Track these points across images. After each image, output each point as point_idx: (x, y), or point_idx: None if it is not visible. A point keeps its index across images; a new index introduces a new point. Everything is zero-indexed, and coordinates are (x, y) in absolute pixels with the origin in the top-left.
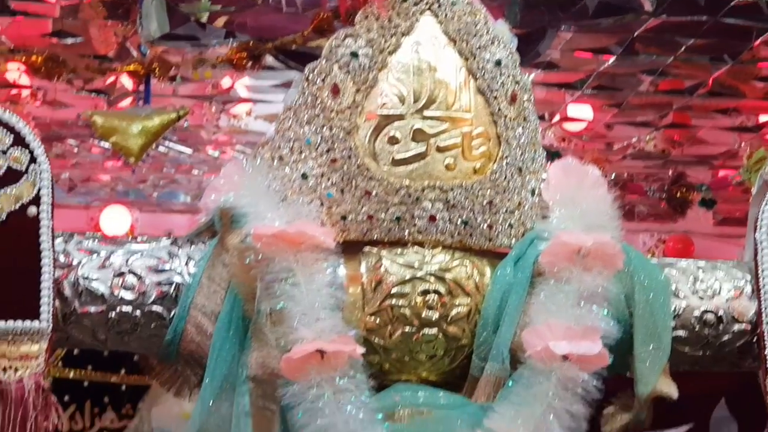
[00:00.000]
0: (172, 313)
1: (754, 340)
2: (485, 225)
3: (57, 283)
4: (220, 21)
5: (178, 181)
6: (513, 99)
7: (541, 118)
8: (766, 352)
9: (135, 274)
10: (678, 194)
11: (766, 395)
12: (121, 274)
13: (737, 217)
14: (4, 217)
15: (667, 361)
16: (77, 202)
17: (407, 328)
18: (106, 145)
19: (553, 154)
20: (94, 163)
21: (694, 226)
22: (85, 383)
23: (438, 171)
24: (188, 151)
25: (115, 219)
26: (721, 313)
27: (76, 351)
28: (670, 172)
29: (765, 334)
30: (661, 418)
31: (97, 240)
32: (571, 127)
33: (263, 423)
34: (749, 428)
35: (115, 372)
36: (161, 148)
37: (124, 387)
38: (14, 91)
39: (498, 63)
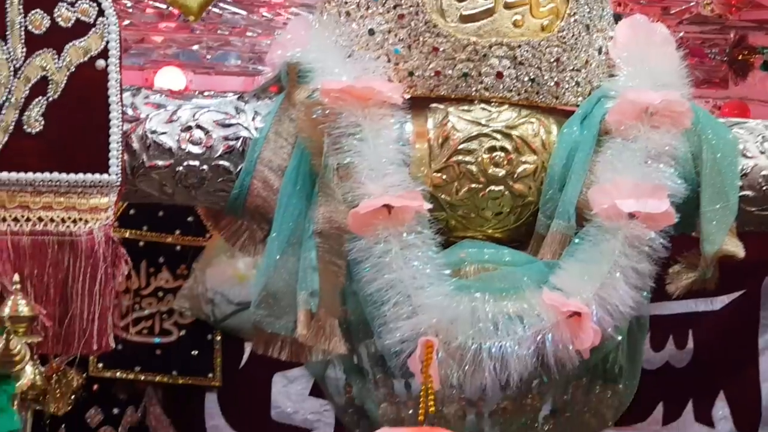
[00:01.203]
0: (239, 168)
1: None
2: (552, 82)
3: (125, 137)
4: None
5: (232, 43)
6: None
7: None
8: None
9: (202, 128)
10: (740, 57)
11: None
12: (188, 129)
13: None
14: (73, 69)
15: (734, 221)
16: (131, 63)
17: (473, 185)
18: (161, 5)
19: (615, 17)
20: (148, 23)
21: (750, 92)
22: (141, 243)
23: (505, 28)
24: (243, 12)
25: (170, 80)
26: None
27: (132, 211)
28: (732, 35)
29: None
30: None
31: (164, 94)
32: None
33: (330, 277)
34: None
35: (170, 233)
36: (215, 9)
37: (178, 248)
38: None
39: None
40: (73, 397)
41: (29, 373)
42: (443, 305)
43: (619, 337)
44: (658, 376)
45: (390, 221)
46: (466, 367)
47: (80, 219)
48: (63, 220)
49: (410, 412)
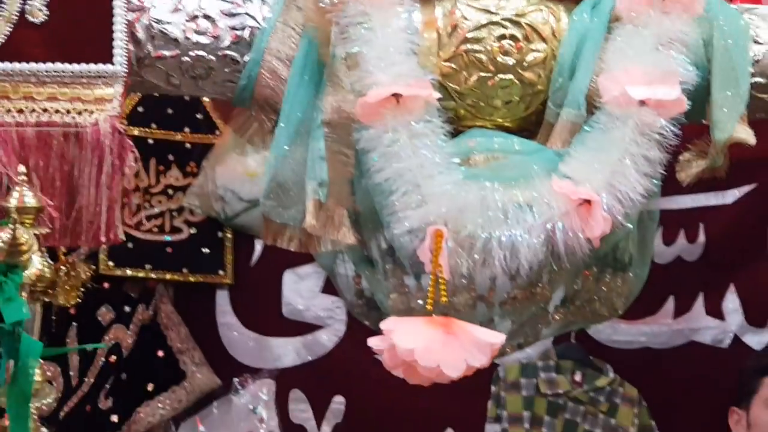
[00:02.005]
0: (246, 58)
1: None
2: None
3: (130, 26)
4: None
5: None
6: None
7: None
8: None
9: (208, 17)
10: None
11: None
12: (194, 18)
13: None
14: None
15: (745, 108)
16: None
17: (483, 74)
18: None
19: None
20: None
21: None
22: (150, 141)
23: None
24: None
25: None
26: None
27: (140, 108)
28: None
29: None
30: (725, 177)
31: None
32: None
33: (338, 167)
34: None
35: (179, 130)
36: None
37: (188, 145)
38: None
39: None
40: (82, 289)
41: (37, 264)
42: (452, 194)
43: (630, 225)
44: (669, 270)
45: (399, 110)
46: (476, 257)
47: (85, 110)
48: (68, 111)
49: (420, 302)
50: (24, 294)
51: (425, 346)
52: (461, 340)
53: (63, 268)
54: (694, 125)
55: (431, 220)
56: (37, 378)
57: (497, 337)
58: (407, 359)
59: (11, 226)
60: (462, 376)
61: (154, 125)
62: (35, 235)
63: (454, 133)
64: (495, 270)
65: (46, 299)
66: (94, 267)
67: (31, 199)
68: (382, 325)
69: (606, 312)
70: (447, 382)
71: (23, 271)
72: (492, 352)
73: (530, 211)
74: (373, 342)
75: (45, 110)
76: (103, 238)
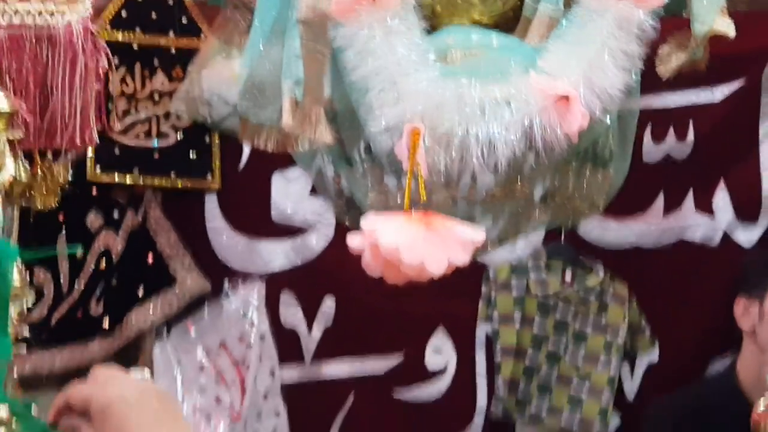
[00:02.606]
0: None
1: None
2: None
3: None
4: None
5: None
6: None
7: None
8: None
9: None
10: None
11: None
12: None
13: None
14: None
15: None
16: None
17: None
18: None
19: None
20: None
21: None
22: (134, 46)
23: None
24: None
25: None
26: None
27: (124, 13)
28: None
29: None
30: (714, 72)
31: None
32: None
33: (314, 66)
34: None
35: (164, 34)
36: None
37: (173, 50)
38: None
39: None
40: (58, 194)
41: (10, 168)
42: (429, 91)
43: (609, 120)
44: (659, 169)
45: (374, 7)
46: (453, 154)
47: (57, 11)
48: (40, 13)
49: (399, 201)
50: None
51: (409, 242)
52: (443, 236)
53: (40, 171)
54: (673, 18)
55: (408, 118)
56: (16, 283)
57: (478, 234)
58: (391, 256)
59: None
60: (443, 273)
61: (138, 30)
62: (9, 140)
63: (431, 30)
64: (472, 166)
65: (24, 203)
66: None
67: (3, 102)
68: (363, 223)
69: (586, 208)
70: (426, 280)
71: None
72: (474, 248)
73: (508, 107)
74: (352, 240)
75: (16, 12)
76: (78, 140)
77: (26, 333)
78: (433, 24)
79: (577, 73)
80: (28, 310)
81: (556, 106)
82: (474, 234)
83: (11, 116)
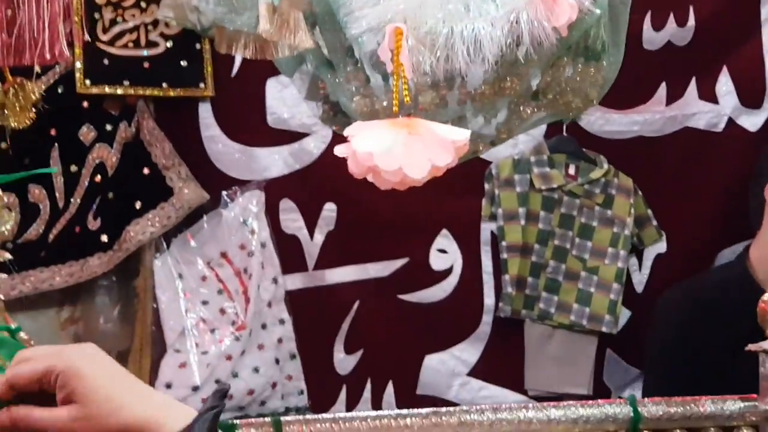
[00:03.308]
0: None
1: None
2: None
3: None
4: None
5: None
6: None
7: None
8: None
9: None
10: None
11: None
12: None
13: None
14: None
15: None
16: None
17: None
18: None
19: None
20: None
21: None
22: None
23: None
24: None
25: None
26: None
27: None
28: None
29: None
30: None
31: None
32: None
33: None
34: None
35: None
36: None
37: None
38: None
39: None
40: (33, 109)
41: None
42: None
43: (599, 11)
44: (660, 56)
45: None
46: (438, 53)
47: None
48: None
49: (385, 104)
50: None
51: (386, 148)
52: (424, 139)
53: (11, 89)
54: None
55: (389, 18)
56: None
57: (461, 134)
58: (367, 164)
59: None
60: (427, 177)
61: None
62: None
63: None
64: (459, 64)
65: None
66: (86, 83)
67: None
68: (347, 130)
69: (580, 103)
70: (410, 185)
71: None
72: (455, 149)
73: (493, 2)
74: (338, 149)
75: None
76: (47, 55)
77: (8, 256)
78: None
79: None
80: (21, 229)
81: None
82: (456, 134)
83: None
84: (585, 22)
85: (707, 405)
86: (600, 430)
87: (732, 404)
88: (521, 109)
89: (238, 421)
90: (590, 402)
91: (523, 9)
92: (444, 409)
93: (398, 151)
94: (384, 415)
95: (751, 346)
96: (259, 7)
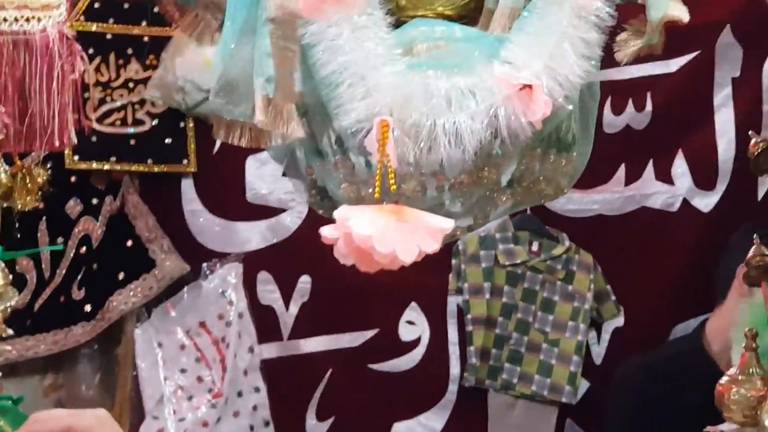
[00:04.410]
0: None
1: None
2: None
3: None
4: None
5: None
6: None
7: None
8: None
9: None
10: None
11: None
12: None
13: None
14: None
15: None
16: None
17: None
18: None
19: None
20: None
21: None
22: (108, 36)
23: None
24: None
25: None
26: None
27: (96, 4)
28: None
29: None
30: (669, 45)
31: None
32: None
33: (285, 63)
34: (753, 53)
35: (137, 24)
36: None
37: (146, 38)
38: None
39: None
40: (40, 192)
41: None
42: (396, 84)
43: (570, 107)
44: (619, 139)
45: (341, 4)
46: (422, 144)
47: (33, 17)
48: (16, 19)
49: (370, 191)
50: None
51: (380, 232)
52: (413, 226)
53: (19, 173)
54: (630, 5)
55: (377, 111)
56: (0, 281)
57: (447, 223)
58: (364, 246)
59: None
60: (413, 260)
61: (111, 20)
62: None
63: (397, 24)
64: (441, 156)
65: (6, 204)
66: (50, 170)
67: None
68: (336, 213)
69: (552, 191)
70: (397, 267)
71: None
72: (442, 237)
73: (473, 98)
74: (325, 231)
75: None
76: (57, 142)
77: (10, 332)
78: (398, 18)
79: (539, 63)
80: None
81: (520, 95)
82: (443, 223)
83: None
84: (558, 116)
85: None
86: None
87: None
88: (496, 196)
89: None
90: None
91: (501, 104)
92: None
93: (391, 236)
94: None
95: (709, 429)
96: (255, 99)
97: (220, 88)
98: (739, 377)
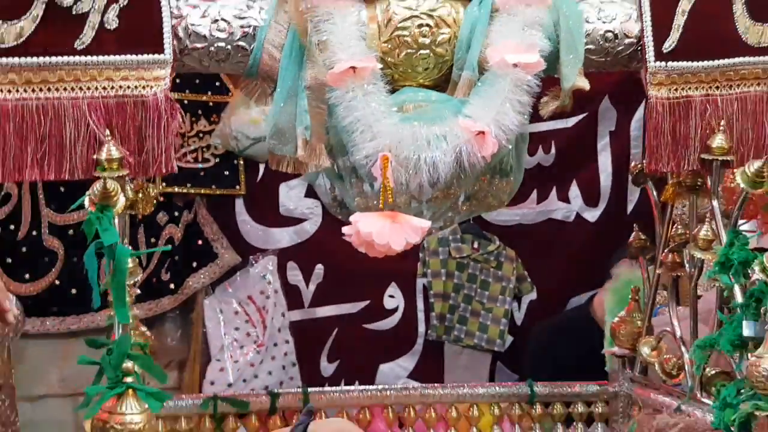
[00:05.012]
0: (252, 46)
1: (638, 49)
2: None
3: (174, 29)
4: None
5: None
6: None
7: None
8: (646, 56)
9: (225, 20)
10: None
11: (646, 85)
12: (215, 21)
13: None
14: None
15: (581, 65)
16: None
17: (409, 50)
18: None
19: None
20: None
21: None
22: (185, 101)
23: None
24: None
25: None
26: (617, 31)
27: (178, 80)
28: None
29: (645, 44)
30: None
31: None
32: None
33: (317, 116)
34: (624, 114)
35: (205, 93)
36: None
37: (211, 103)
38: None
39: None
40: (154, 203)
41: (122, 201)
42: (393, 131)
43: (510, 146)
44: (533, 172)
45: (355, 77)
46: (410, 172)
47: (147, 85)
48: (136, 87)
49: (375, 203)
50: (115, 221)
51: (379, 230)
52: (403, 225)
53: (140, 191)
54: (550, 78)
55: (380, 149)
56: (131, 266)
57: (426, 223)
58: (368, 239)
59: (102, 179)
60: (403, 249)
61: (187, 90)
62: (119, 176)
63: (392, 91)
64: (422, 180)
65: (131, 212)
66: (162, 185)
67: (114, 151)
68: (351, 218)
69: (496, 204)
70: (393, 253)
71: (113, 208)
72: (422, 233)
73: (444, 140)
74: (345, 230)
75: (120, 87)
76: (164, 169)
77: (138, 291)
78: (393, 87)
79: (489, 117)
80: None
81: (476, 138)
82: (423, 223)
83: (121, 161)
84: (501, 152)
85: (577, 387)
86: (505, 402)
87: (593, 387)
88: (459, 206)
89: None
90: (502, 383)
91: (463, 145)
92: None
93: (387, 232)
94: (352, 389)
95: (606, 351)
96: (298, 141)
97: (273, 133)
98: (626, 318)
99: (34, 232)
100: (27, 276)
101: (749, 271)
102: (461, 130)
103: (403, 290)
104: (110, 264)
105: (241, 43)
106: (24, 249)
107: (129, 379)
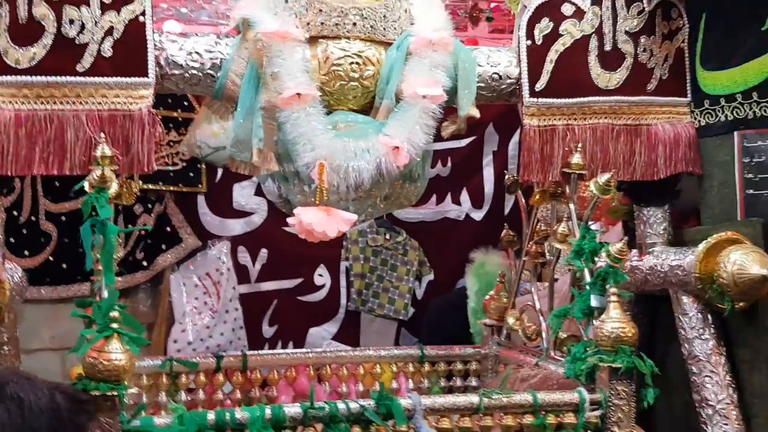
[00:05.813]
0: (219, 74)
1: (517, 88)
2: (383, 27)
3: (157, 58)
4: None
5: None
6: None
7: None
8: (522, 93)
9: (198, 53)
10: (474, 14)
11: (522, 115)
12: (190, 53)
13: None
14: (127, 21)
15: (474, 99)
16: None
17: (342, 82)
18: None
19: None
20: None
21: (480, 33)
22: (159, 117)
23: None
24: None
25: (171, 27)
26: (501, 74)
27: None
28: (470, 2)
29: (522, 85)
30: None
31: (175, 35)
32: None
33: (269, 131)
34: (504, 138)
35: (175, 110)
36: None
37: (180, 118)
38: None
39: None
40: (135, 196)
41: (114, 187)
42: (328, 144)
43: (418, 159)
44: (434, 181)
45: (300, 102)
46: (341, 176)
47: (134, 102)
48: (125, 103)
49: (312, 200)
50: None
51: (317, 221)
52: (335, 218)
53: (124, 185)
54: (449, 107)
55: (318, 158)
56: (114, 242)
57: (353, 216)
58: (308, 228)
59: (101, 168)
60: (335, 236)
61: (161, 108)
62: (111, 170)
63: (328, 113)
64: (350, 183)
65: (117, 202)
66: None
67: (107, 151)
68: (295, 211)
69: (406, 203)
70: (327, 239)
71: (108, 191)
72: (350, 224)
73: (368, 153)
74: (290, 220)
75: (113, 102)
76: (146, 168)
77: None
78: (329, 110)
79: (404, 135)
80: None
81: (393, 152)
82: (351, 216)
83: (112, 158)
84: (411, 164)
85: (456, 349)
86: (401, 362)
87: (469, 350)
88: (377, 204)
89: (224, 353)
90: (400, 347)
91: (383, 157)
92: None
93: (323, 222)
94: (281, 352)
95: (479, 322)
96: (253, 149)
97: (234, 143)
98: (495, 296)
99: (33, 218)
100: (26, 253)
101: (596, 258)
102: (381, 145)
103: (330, 270)
104: (101, 238)
105: (210, 71)
106: (24, 231)
107: (115, 325)
